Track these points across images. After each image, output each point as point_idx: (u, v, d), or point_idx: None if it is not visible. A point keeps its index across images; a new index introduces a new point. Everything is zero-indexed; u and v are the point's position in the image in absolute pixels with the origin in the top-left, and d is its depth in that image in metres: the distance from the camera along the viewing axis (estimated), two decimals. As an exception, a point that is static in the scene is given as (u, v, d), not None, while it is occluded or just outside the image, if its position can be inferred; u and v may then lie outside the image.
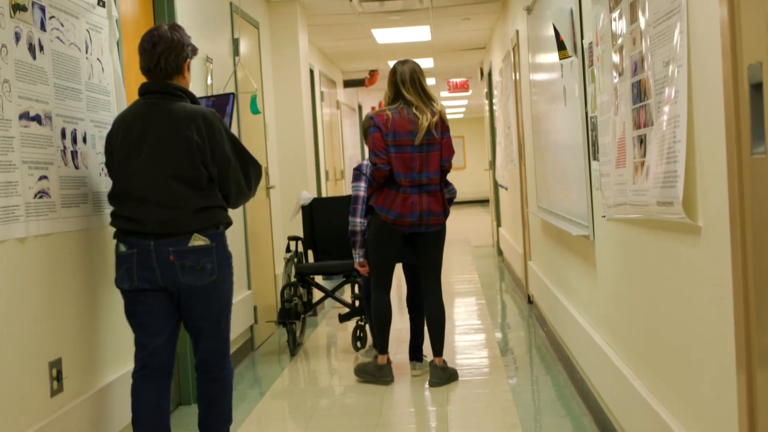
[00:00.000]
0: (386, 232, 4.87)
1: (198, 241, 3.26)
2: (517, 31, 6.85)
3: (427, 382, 4.89)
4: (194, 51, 3.45)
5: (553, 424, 4.08)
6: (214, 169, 3.31)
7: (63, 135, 3.20)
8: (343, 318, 6.00)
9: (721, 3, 1.99)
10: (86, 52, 3.45)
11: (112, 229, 3.62)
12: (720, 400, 2.22)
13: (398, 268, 5.18)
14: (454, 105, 21.98)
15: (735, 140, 1.97)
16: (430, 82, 15.42)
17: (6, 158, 2.76)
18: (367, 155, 5.05)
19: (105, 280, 3.55)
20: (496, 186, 11.12)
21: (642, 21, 2.64)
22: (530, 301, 7.10)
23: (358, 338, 5.85)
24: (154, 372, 3.33)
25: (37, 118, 2.99)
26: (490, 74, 11.27)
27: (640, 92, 2.70)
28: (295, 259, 6.28)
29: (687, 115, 2.29)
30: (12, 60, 2.83)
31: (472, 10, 8.87)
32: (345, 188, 11.71)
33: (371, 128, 4.87)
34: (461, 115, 25.70)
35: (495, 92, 10.29)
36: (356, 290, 6.03)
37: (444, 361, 4.93)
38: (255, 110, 5.87)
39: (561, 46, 4.23)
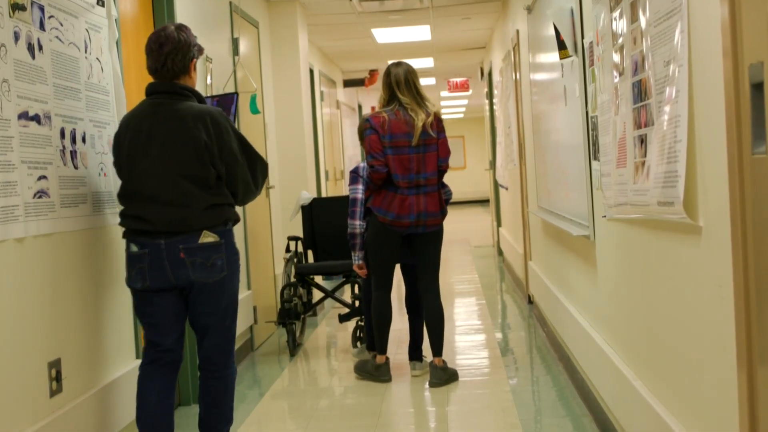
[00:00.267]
0: (384, 234, 4.88)
1: (208, 237, 3.31)
2: (518, 31, 6.84)
3: (427, 383, 4.88)
4: (200, 51, 3.50)
5: (554, 425, 4.07)
6: (222, 167, 3.35)
7: (62, 135, 3.20)
8: (342, 318, 5.99)
9: (722, 2, 1.99)
10: (85, 51, 3.44)
11: (112, 229, 3.63)
12: (721, 401, 2.21)
13: (397, 269, 5.18)
14: (454, 105, 21.97)
15: (736, 140, 1.96)
16: (430, 81, 15.41)
17: (5, 158, 2.76)
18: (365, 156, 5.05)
19: (105, 280, 3.55)
20: (496, 186, 11.12)
21: (643, 20, 2.64)
22: (530, 301, 7.10)
23: (357, 338, 5.85)
24: (163, 366, 3.40)
25: (36, 118, 2.98)
26: (490, 74, 11.26)
27: (640, 92, 2.69)
28: (295, 259, 6.28)
29: (688, 115, 2.28)
30: (11, 59, 2.82)
31: (472, 9, 8.86)
32: (345, 188, 11.70)
33: (368, 130, 4.89)
34: (461, 115, 25.70)
35: (495, 92, 10.28)
36: (356, 290, 6.03)
37: (444, 362, 4.92)
38: (255, 110, 5.86)
39: (561, 46, 4.22)
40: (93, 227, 3.44)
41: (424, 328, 5.10)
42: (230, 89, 5.67)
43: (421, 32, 10.03)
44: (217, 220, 3.34)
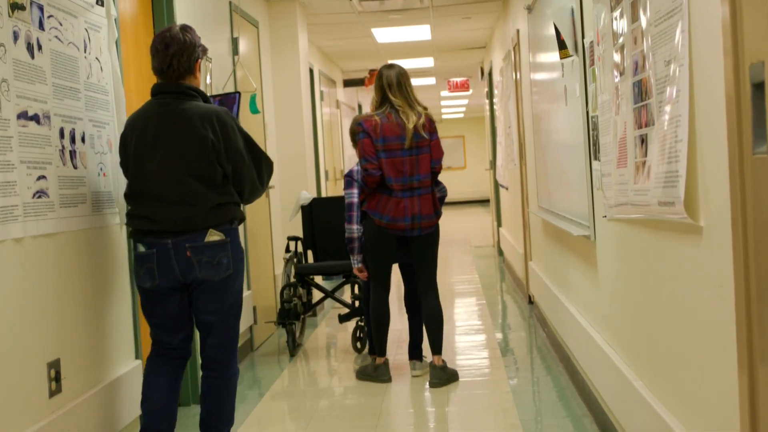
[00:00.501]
0: (381, 236, 4.90)
1: (214, 236, 3.34)
2: (518, 30, 6.84)
3: (427, 383, 4.88)
4: (204, 51, 3.53)
5: (554, 425, 4.07)
6: (229, 166, 3.39)
7: (61, 134, 3.19)
8: (342, 318, 5.98)
9: (722, 2, 1.98)
10: (85, 51, 3.43)
11: (112, 229, 3.63)
12: (721, 401, 2.21)
13: (395, 270, 5.17)
14: (454, 104, 21.97)
15: (737, 140, 1.96)
16: (430, 81, 15.41)
17: (4, 158, 2.75)
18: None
19: (104, 281, 3.54)
20: (496, 186, 11.12)
21: (643, 20, 2.63)
22: (531, 301, 7.09)
23: (357, 339, 5.84)
24: (170, 360, 3.46)
25: (35, 118, 2.98)
26: (490, 73, 11.26)
27: (641, 92, 2.68)
28: (295, 260, 6.27)
29: (688, 115, 2.28)
30: (10, 59, 2.81)
31: (472, 9, 8.85)
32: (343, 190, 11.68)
33: (360, 134, 4.90)
34: (461, 115, 25.70)
35: (495, 92, 10.28)
36: (356, 291, 6.02)
37: (443, 361, 4.92)
38: (254, 110, 5.86)
39: (562, 46, 4.22)
40: (92, 227, 3.44)
41: (424, 328, 5.10)
42: (230, 89, 5.66)
43: (421, 32, 10.02)
44: (223, 219, 3.37)
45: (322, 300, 6.46)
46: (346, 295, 7.10)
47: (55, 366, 3.04)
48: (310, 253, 6.59)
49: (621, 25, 2.94)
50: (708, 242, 2.26)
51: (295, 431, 4.36)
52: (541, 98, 5.60)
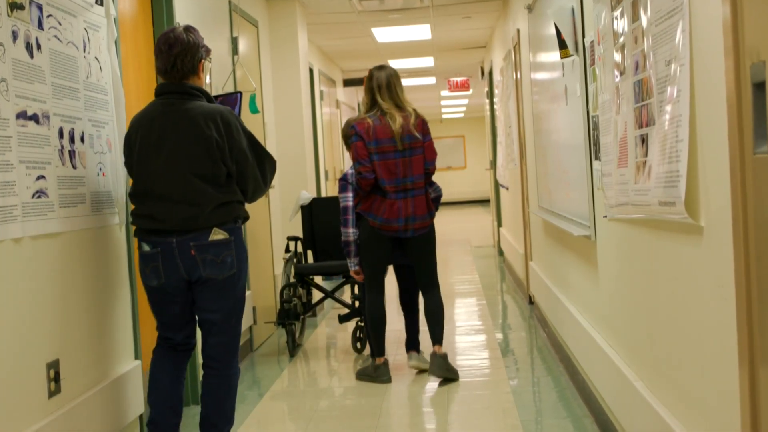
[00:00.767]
0: (375, 237, 4.93)
1: (218, 235, 3.38)
2: (518, 30, 6.83)
3: (427, 384, 4.88)
4: (208, 52, 3.58)
5: (555, 426, 4.06)
6: (233, 165, 3.43)
7: (61, 134, 3.18)
8: (342, 319, 5.98)
9: (723, 2, 1.98)
10: (84, 50, 3.43)
11: (111, 229, 3.63)
12: (722, 402, 2.20)
13: (390, 270, 5.20)
14: (454, 104, 21.97)
15: (737, 139, 1.95)
16: (430, 81, 15.40)
17: (3, 158, 2.74)
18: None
19: (104, 281, 3.53)
20: (496, 186, 11.11)
21: (644, 19, 2.63)
22: (531, 301, 7.08)
23: (357, 339, 5.84)
24: (176, 353, 3.55)
25: (34, 118, 2.97)
26: (490, 73, 11.25)
27: (641, 91, 2.68)
28: (295, 260, 6.26)
29: (689, 115, 2.27)
30: (9, 59, 2.81)
31: (472, 8, 8.85)
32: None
33: (353, 137, 4.92)
34: (462, 115, 25.69)
35: (496, 91, 10.27)
36: (356, 291, 6.01)
37: (444, 352, 4.94)
38: (254, 109, 5.86)
39: (562, 45, 4.21)
40: (92, 227, 3.43)
41: (421, 325, 5.13)
42: (229, 88, 5.66)
43: (421, 31, 10.02)
44: (227, 218, 3.41)
45: (321, 300, 6.45)
46: (346, 295, 7.09)
47: (54, 366, 3.04)
48: (309, 253, 6.59)
49: (621, 24, 2.93)
50: (709, 242, 2.25)
51: None
52: (541, 98, 5.59)
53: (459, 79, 14.98)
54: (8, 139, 2.78)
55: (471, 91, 16.17)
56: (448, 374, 4.85)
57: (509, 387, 4.73)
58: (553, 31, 4.39)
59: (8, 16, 2.81)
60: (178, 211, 3.35)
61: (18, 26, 2.87)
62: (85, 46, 3.44)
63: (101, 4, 3.62)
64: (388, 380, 4.95)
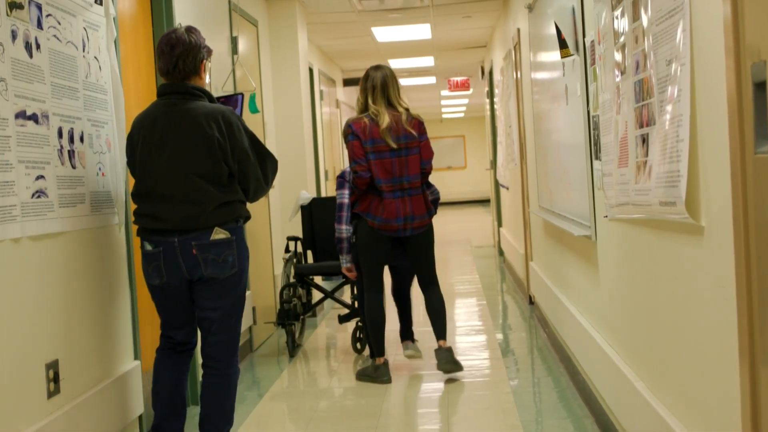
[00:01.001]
0: (374, 237, 4.94)
1: (219, 234, 3.41)
2: (519, 30, 6.82)
3: (437, 368, 4.94)
4: (209, 52, 3.60)
5: (555, 426, 4.05)
6: (235, 165, 3.46)
7: (60, 134, 3.18)
8: (342, 319, 5.98)
9: (724, 1, 1.97)
10: (83, 50, 3.42)
11: (111, 229, 3.62)
12: (723, 402, 2.20)
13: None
14: (454, 104, 21.96)
15: (738, 139, 1.95)
16: (430, 80, 15.39)
17: (2, 158, 2.74)
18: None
19: (103, 281, 3.53)
20: (497, 185, 11.10)
21: (644, 19, 2.62)
22: (532, 301, 7.08)
23: (357, 339, 5.83)
24: (177, 354, 3.59)
25: (33, 117, 2.96)
26: (491, 73, 11.24)
27: (642, 91, 2.67)
28: (294, 260, 6.26)
29: (690, 114, 2.27)
30: (8, 58, 2.80)
31: (473, 8, 8.84)
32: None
33: (350, 136, 4.93)
34: (462, 114, 25.68)
35: (496, 91, 10.27)
36: (356, 291, 6.01)
37: (449, 345, 4.98)
38: (254, 109, 5.85)
39: (563, 45, 4.20)
40: (91, 227, 3.42)
41: (423, 321, 5.14)
42: (229, 87, 5.66)
43: (421, 31, 10.01)
44: (228, 217, 3.44)
45: (321, 300, 6.45)
46: (346, 295, 7.09)
47: (53, 367, 3.03)
48: (309, 253, 6.58)
49: (622, 24, 2.93)
50: (709, 242, 2.24)
51: (294, 432, 4.35)
52: (541, 97, 5.59)
53: (459, 78, 14.98)
54: (7, 139, 2.77)
55: (471, 90, 16.16)
56: (455, 368, 4.91)
57: (509, 387, 4.73)
58: (554, 30, 4.38)
59: (7, 15, 2.80)
60: (179, 211, 3.38)
61: (17, 26, 2.87)
62: (84, 46, 3.43)
63: (100, 4, 3.61)
64: (388, 381, 4.95)
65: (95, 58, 3.54)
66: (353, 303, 5.99)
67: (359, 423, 4.28)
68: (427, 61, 12.74)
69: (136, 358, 3.84)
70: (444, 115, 25.38)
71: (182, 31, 3.51)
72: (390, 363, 5.13)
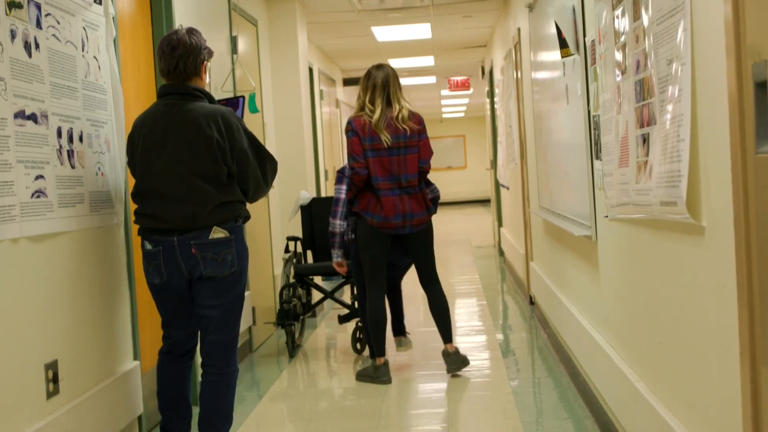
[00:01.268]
0: (375, 236, 4.95)
1: (218, 233, 3.43)
2: (519, 29, 6.82)
3: (446, 371, 4.98)
4: (210, 53, 3.63)
5: (555, 427, 4.05)
6: (234, 165, 3.49)
7: (59, 134, 3.17)
8: (342, 319, 5.98)
9: (724, 1, 1.97)
10: (83, 50, 3.41)
11: (110, 229, 3.62)
12: (724, 402, 2.19)
13: None
14: (454, 104, 21.96)
15: (739, 139, 1.94)
16: (430, 80, 15.39)
17: (1, 157, 2.73)
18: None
19: (102, 281, 3.52)
20: (497, 185, 11.10)
21: (645, 19, 2.61)
22: (532, 302, 7.07)
23: (357, 340, 5.83)
24: (179, 357, 3.61)
25: (32, 117, 2.96)
26: (491, 72, 11.24)
27: (643, 90, 2.67)
28: (294, 260, 6.25)
29: (691, 114, 2.26)
30: (7, 58, 2.79)
31: (473, 7, 8.84)
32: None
33: (349, 133, 4.96)
34: (462, 114, 25.68)
35: (496, 90, 10.26)
36: (356, 291, 6.00)
37: (455, 347, 5.03)
38: (253, 109, 5.84)
39: (563, 44, 4.20)
40: (91, 227, 3.42)
41: (429, 324, 5.15)
42: (228, 87, 5.65)
43: (421, 30, 10.01)
44: (227, 217, 3.46)
45: (321, 301, 6.44)
46: (346, 295, 7.08)
47: (52, 367, 3.03)
48: (309, 253, 6.57)
49: (623, 23, 2.92)
50: (710, 242, 2.24)
51: (294, 432, 4.35)
52: (542, 97, 5.58)
53: (459, 78, 14.98)
54: (6, 139, 2.77)
55: (471, 90, 16.16)
56: (463, 365, 4.99)
57: (510, 388, 4.72)
58: (554, 30, 4.38)
59: (6, 15, 2.80)
60: (179, 210, 3.40)
61: (16, 25, 2.86)
62: (83, 45, 3.43)
63: (100, 3, 3.61)
64: (388, 381, 4.95)
65: (94, 57, 3.53)
66: (353, 303, 5.98)
67: (359, 423, 4.28)
68: (427, 61, 12.74)
69: (135, 358, 3.83)
70: (444, 115, 25.38)
71: (183, 32, 3.53)
72: (390, 363, 5.12)
